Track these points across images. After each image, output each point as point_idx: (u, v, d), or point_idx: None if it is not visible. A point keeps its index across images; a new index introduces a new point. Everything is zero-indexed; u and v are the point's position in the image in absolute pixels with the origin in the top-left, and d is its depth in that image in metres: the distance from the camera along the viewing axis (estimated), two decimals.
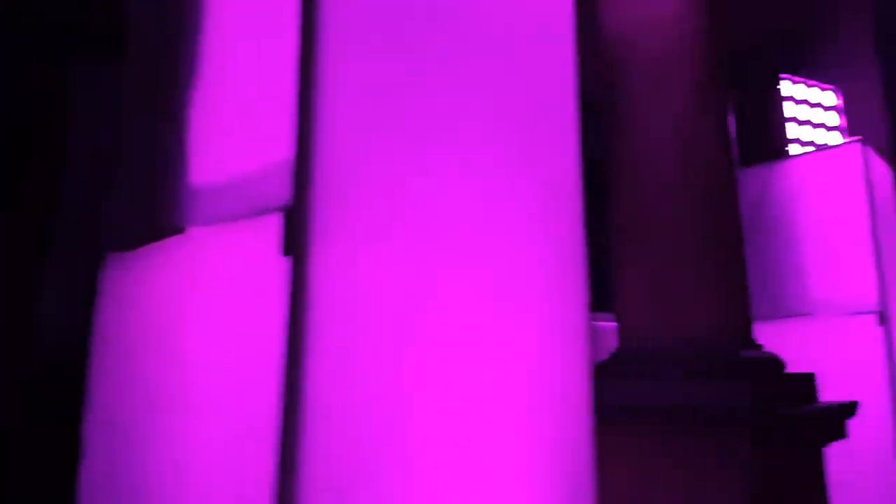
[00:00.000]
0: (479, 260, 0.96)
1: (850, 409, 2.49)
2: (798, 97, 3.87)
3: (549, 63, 1.13)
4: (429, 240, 0.92)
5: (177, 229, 1.04)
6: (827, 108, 4.04)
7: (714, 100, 2.51)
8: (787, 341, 3.24)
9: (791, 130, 3.76)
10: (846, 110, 4.13)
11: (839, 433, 2.48)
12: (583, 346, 1.05)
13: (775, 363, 2.42)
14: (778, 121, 3.65)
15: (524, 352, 0.97)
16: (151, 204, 1.10)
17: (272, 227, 0.88)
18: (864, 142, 3.55)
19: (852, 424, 2.64)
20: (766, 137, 3.61)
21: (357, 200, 0.86)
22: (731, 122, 3.07)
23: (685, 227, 2.43)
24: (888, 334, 3.44)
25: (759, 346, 2.46)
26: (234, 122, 1.00)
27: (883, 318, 3.43)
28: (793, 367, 2.56)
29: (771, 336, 2.88)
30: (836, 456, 2.82)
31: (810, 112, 3.92)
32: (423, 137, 0.92)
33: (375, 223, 0.88)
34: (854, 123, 4.15)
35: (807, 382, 2.51)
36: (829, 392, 3.24)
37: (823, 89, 4.05)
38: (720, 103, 2.56)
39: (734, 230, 2.52)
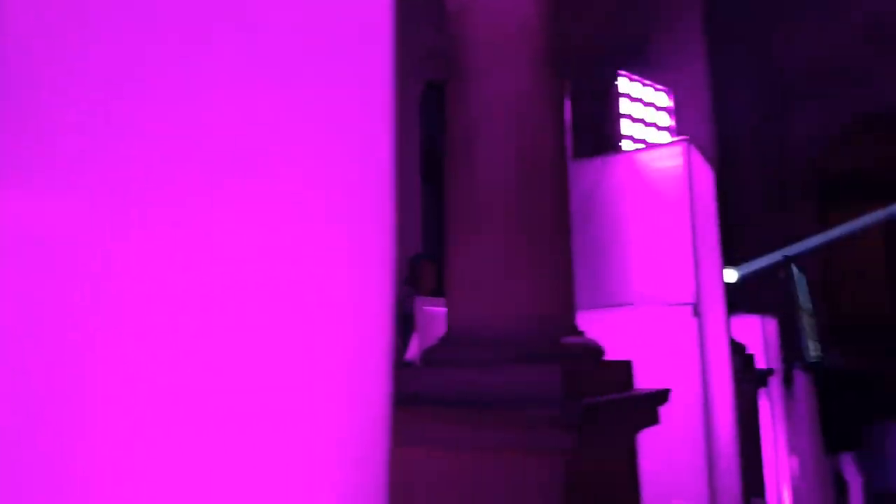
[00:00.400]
0: (235, 220, 0.76)
1: (662, 395, 2.57)
2: (634, 95, 4.01)
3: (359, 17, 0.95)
4: (150, 183, 0.71)
5: None
6: (659, 109, 4.23)
7: (551, 84, 2.48)
8: (609, 330, 3.33)
9: (625, 127, 3.88)
10: (676, 112, 4.35)
11: (652, 419, 2.55)
12: (385, 334, 0.88)
13: (595, 350, 2.43)
14: (613, 116, 3.75)
15: (294, 340, 0.78)
16: None
17: None
18: (689, 142, 3.74)
19: (666, 411, 2.74)
20: (602, 131, 3.70)
21: (31, 125, 0.64)
22: (568, 111, 3.09)
23: (516, 210, 2.38)
24: (701, 325, 3.66)
25: (581, 333, 2.47)
26: None
27: (697, 310, 3.64)
28: (614, 356, 2.61)
29: (594, 324, 2.93)
30: (649, 441, 2.92)
31: (644, 111, 4.08)
32: (156, 54, 0.70)
33: (60, 157, 0.66)
34: (682, 125, 4.38)
35: (624, 369, 2.56)
36: (648, 380, 3.37)
37: (657, 90, 4.23)
38: (557, 89, 2.54)
39: (563, 217, 2.51)
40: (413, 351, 2.75)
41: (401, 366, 2.42)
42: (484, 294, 2.28)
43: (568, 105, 2.99)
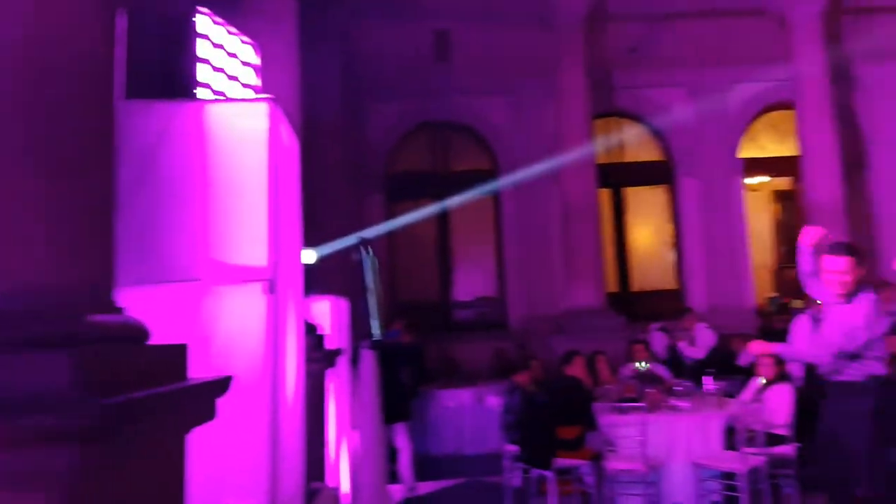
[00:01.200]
0: None
1: (222, 385, 2.14)
2: (216, 41, 3.48)
3: None
4: None
5: None
6: (245, 63, 3.79)
7: None
8: (166, 309, 2.77)
9: (202, 73, 3.34)
10: (263, 74, 3.98)
11: (207, 414, 2.11)
12: None
13: (136, 332, 1.87)
14: (188, 57, 3.18)
15: None
16: None
17: None
18: (276, 102, 3.38)
19: (229, 400, 2.34)
20: (171, 72, 3.10)
21: None
22: (123, 28, 2.42)
23: (22, 148, 1.67)
24: (276, 304, 3.35)
25: (120, 311, 1.89)
26: None
27: (273, 287, 3.32)
28: (168, 339, 2.10)
29: (147, 303, 2.37)
30: (203, 438, 2.48)
31: (227, 61, 3.59)
32: None
33: None
34: (268, 90, 4.02)
35: (177, 356, 2.06)
36: (210, 367, 2.91)
37: (244, 43, 3.79)
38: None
39: (103, 154, 1.88)
40: None
41: None
42: None
43: (123, 23, 2.33)
